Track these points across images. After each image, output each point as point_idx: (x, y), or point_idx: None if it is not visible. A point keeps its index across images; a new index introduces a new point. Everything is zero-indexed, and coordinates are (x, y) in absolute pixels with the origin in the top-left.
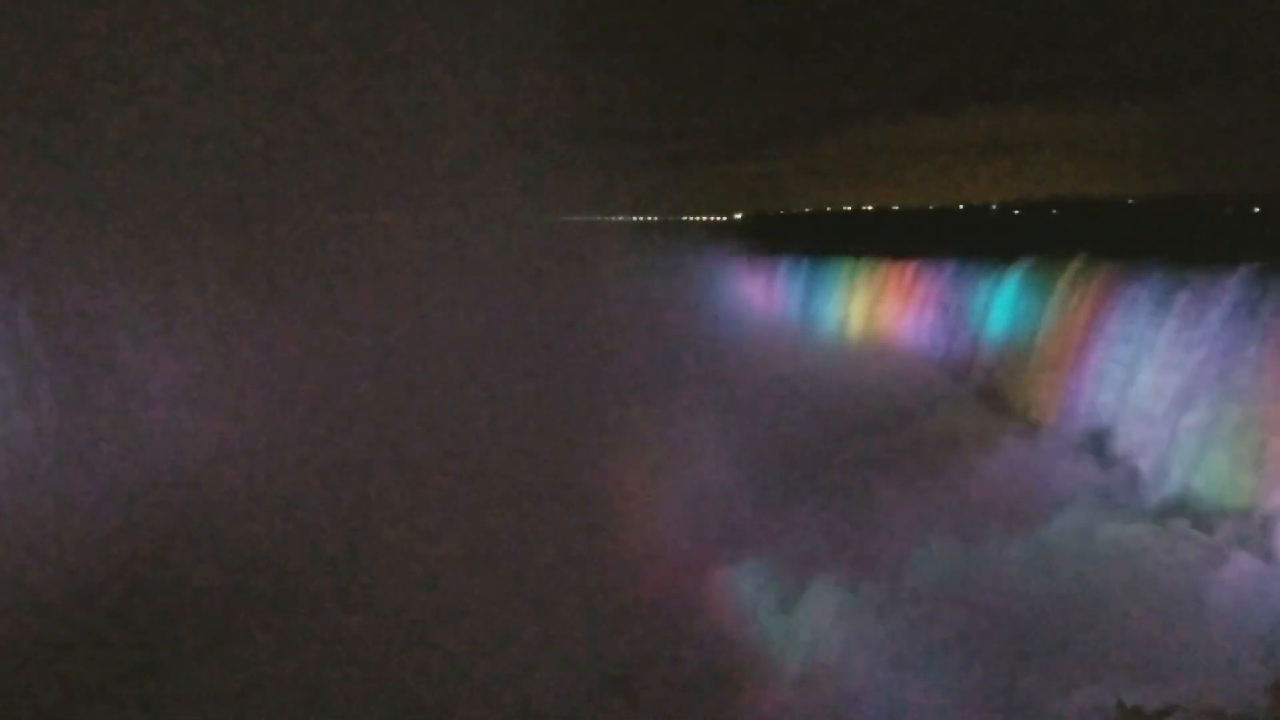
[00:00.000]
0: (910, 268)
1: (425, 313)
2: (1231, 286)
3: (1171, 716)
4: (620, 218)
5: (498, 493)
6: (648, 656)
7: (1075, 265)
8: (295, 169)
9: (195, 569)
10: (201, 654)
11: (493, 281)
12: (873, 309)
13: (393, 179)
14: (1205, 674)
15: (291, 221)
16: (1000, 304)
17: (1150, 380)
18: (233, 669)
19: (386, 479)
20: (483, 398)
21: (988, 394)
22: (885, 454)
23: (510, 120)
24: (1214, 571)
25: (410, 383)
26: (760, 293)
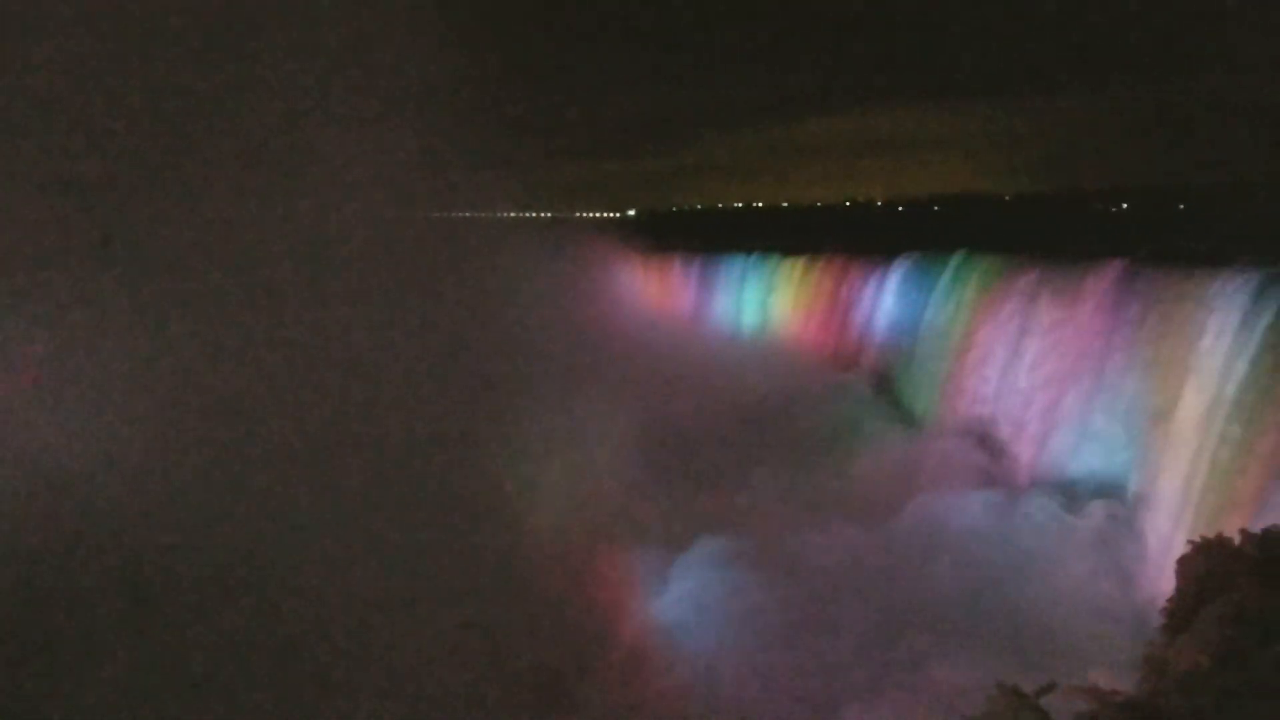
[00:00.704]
0: (800, 263)
1: (308, 311)
2: (1102, 279)
3: (1050, 693)
4: (512, 214)
5: (389, 490)
6: (550, 644)
7: (956, 260)
8: (160, 162)
9: (76, 575)
10: (83, 662)
11: (375, 279)
12: (764, 303)
13: (268, 174)
14: (1081, 650)
15: (164, 220)
16: (886, 298)
17: (1028, 369)
18: (116, 676)
19: (275, 478)
20: (369, 395)
21: (875, 385)
22: (776, 443)
23: (393, 114)
24: (1087, 552)
25: (297, 381)
26: (653, 288)
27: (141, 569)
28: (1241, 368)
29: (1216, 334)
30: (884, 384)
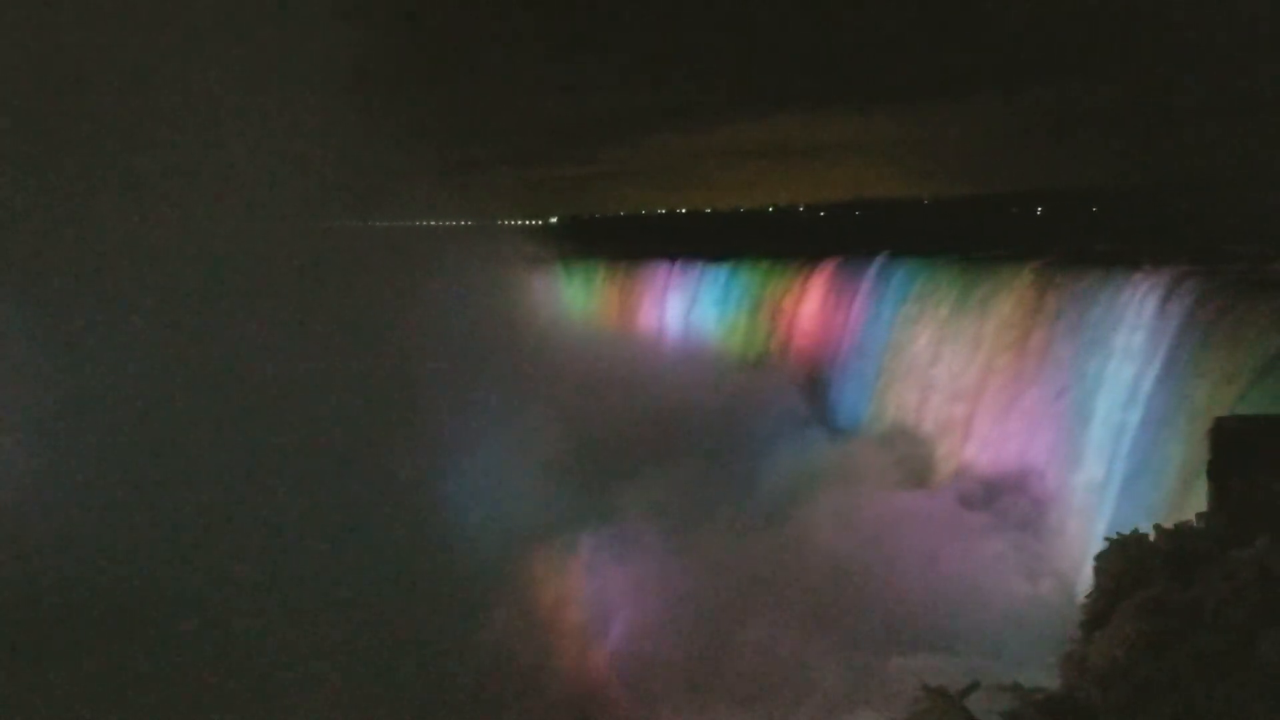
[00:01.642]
0: (724, 268)
1: (218, 322)
2: (1019, 280)
3: (973, 693)
4: (431, 222)
5: (306, 503)
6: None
7: (878, 263)
8: (68, 169)
9: None
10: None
11: (286, 289)
12: (689, 308)
13: (175, 185)
14: (1003, 648)
15: (74, 225)
16: (811, 300)
17: (948, 370)
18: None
19: (185, 492)
20: (283, 406)
21: (801, 387)
22: (700, 445)
23: (307, 122)
24: (1008, 551)
25: (206, 392)
26: (577, 295)
27: (38, 585)
28: (1155, 366)
29: (1130, 333)
30: (810, 386)
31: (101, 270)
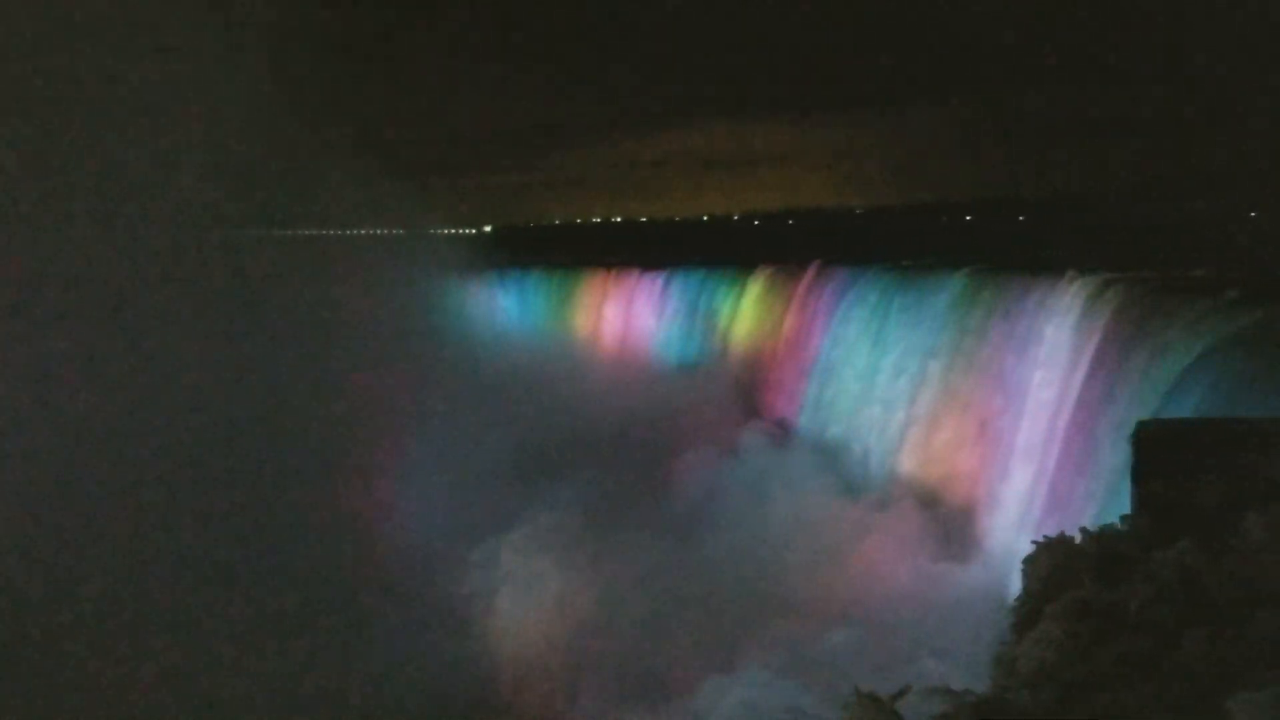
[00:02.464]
0: (660, 277)
1: (146, 332)
2: (948, 289)
3: (905, 696)
4: (364, 230)
5: (236, 512)
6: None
7: (811, 271)
8: None
9: None
10: None
11: (224, 300)
12: (626, 317)
13: (96, 192)
14: (933, 651)
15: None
16: (745, 310)
17: (878, 378)
18: None
19: (115, 508)
20: (213, 415)
21: (735, 395)
22: (637, 452)
23: (239, 129)
24: (939, 555)
25: (130, 402)
26: (514, 304)
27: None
28: (1080, 370)
29: (1055, 338)
30: (745, 392)
31: (24, 281)
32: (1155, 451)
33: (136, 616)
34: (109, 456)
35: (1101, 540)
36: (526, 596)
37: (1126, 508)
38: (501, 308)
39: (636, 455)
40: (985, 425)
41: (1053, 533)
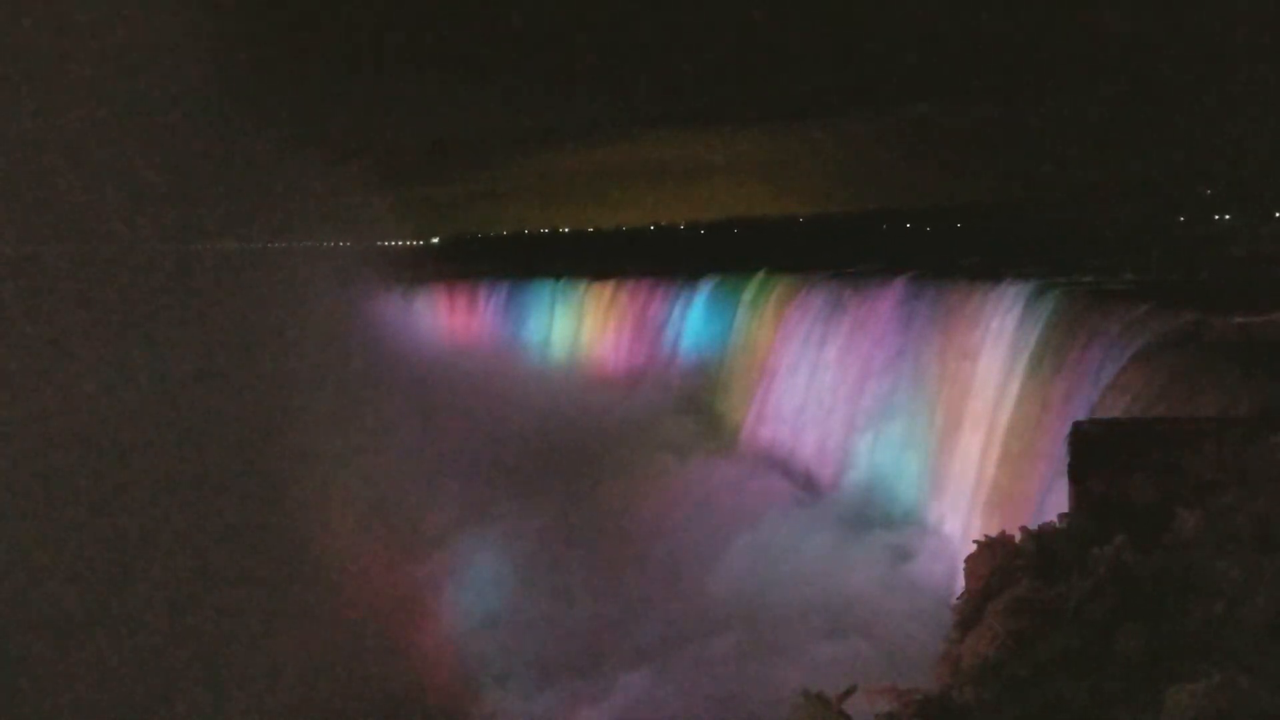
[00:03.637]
0: (608, 286)
1: (100, 348)
2: (889, 295)
3: (852, 695)
4: (308, 243)
5: (187, 528)
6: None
7: (757, 280)
8: None
9: None
10: None
11: (152, 312)
12: (572, 326)
13: (58, 207)
14: (882, 652)
15: None
16: (693, 318)
17: (826, 384)
18: None
19: (54, 515)
20: (157, 431)
21: (682, 403)
22: (579, 461)
23: (176, 139)
24: (884, 557)
25: (80, 418)
26: (459, 315)
27: None
28: (1019, 373)
29: (994, 342)
30: (691, 402)
31: None
32: (1091, 451)
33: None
34: (59, 471)
35: (1040, 539)
36: (467, 600)
37: (1065, 507)
38: (447, 320)
39: (583, 464)
40: (927, 427)
41: (994, 532)
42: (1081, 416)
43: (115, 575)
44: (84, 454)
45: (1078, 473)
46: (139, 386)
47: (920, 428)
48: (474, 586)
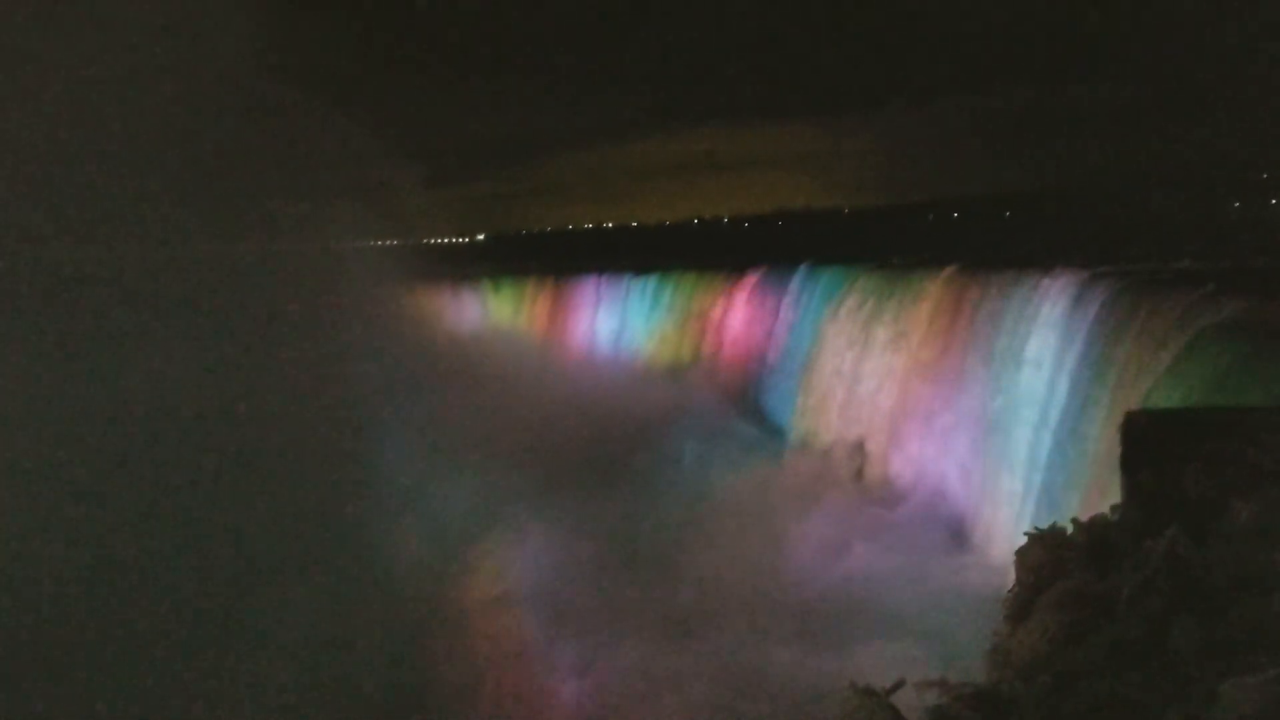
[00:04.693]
0: (652, 281)
1: (151, 349)
2: (936, 286)
3: (900, 689)
4: (359, 243)
5: (256, 521)
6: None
7: (801, 273)
8: None
9: None
10: None
11: (221, 316)
12: (619, 321)
13: (83, 212)
14: (929, 646)
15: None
16: (736, 310)
17: (872, 375)
18: None
19: (120, 509)
20: (223, 435)
21: (729, 396)
22: (631, 458)
23: (226, 144)
24: (935, 550)
25: (141, 426)
26: (505, 311)
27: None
28: (1069, 364)
29: (1044, 332)
30: (736, 394)
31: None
32: (1144, 442)
33: (109, 618)
34: (117, 468)
35: (1092, 530)
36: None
37: (1117, 498)
38: (495, 315)
39: (630, 458)
40: (977, 420)
41: (1045, 524)
42: (1135, 407)
43: (156, 565)
44: (134, 446)
45: (1131, 464)
46: (190, 382)
47: (968, 420)
48: (522, 570)
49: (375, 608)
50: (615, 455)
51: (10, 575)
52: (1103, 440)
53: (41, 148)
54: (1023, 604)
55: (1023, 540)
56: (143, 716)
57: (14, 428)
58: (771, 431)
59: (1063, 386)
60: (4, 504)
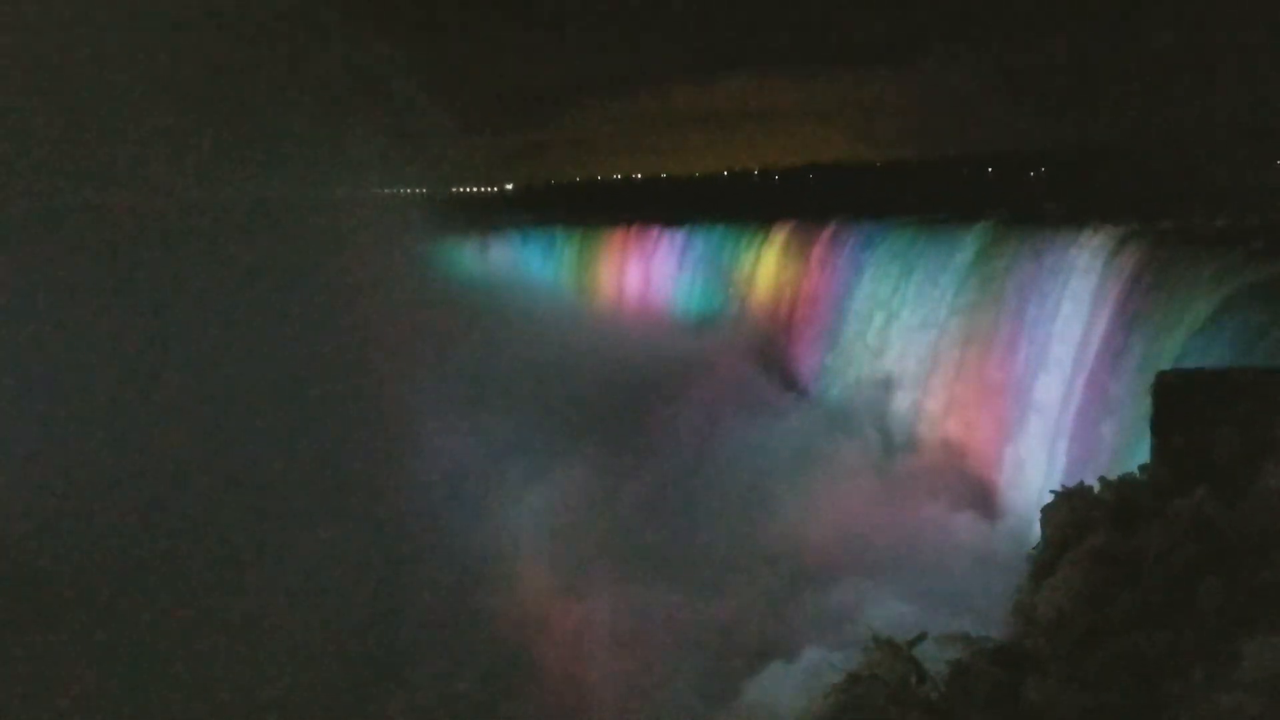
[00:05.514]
0: (680, 233)
1: (182, 298)
2: (970, 241)
3: (921, 643)
4: (387, 190)
5: (287, 477)
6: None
7: (832, 226)
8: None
9: None
10: None
11: (247, 261)
12: (647, 274)
13: (104, 159)
14: (954, 601)
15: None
16: (765, 266)
17: (898, 333)
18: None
19: (163, 472)
20: (256, 382)
21: (757, 354)
22: (661, 410)
23: (257, 92)
24: (961, 505)
25: (174, 375)
26: (536, 262)
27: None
28: (1101, 322)
29: (1076, 291)
30: (764, 348)
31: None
32: (1175, 402)
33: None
34: (157, 437)
35: (1120, 490)
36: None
37: (1146, 458)
38: (523, 267)
39: (659, 410)
40: (1007, 378)
41: (1072, 483)
42: (1166, 367)
43: (191, 519)
44: (169, 389)
45: (1161, 424)
46: (210, 334)
47: (997, 377)
48: (545, 516)
49: (394, 553)
50: (633, 401)
51: (48, 508)
52: (1133, 400)
53: (74, 86)
54: (1048, 562)
55: (1049, 498)
56: (161, 647)
57: (55, 368)
58: (799, 385)
59: (1094, 345)
60: (42, 441)
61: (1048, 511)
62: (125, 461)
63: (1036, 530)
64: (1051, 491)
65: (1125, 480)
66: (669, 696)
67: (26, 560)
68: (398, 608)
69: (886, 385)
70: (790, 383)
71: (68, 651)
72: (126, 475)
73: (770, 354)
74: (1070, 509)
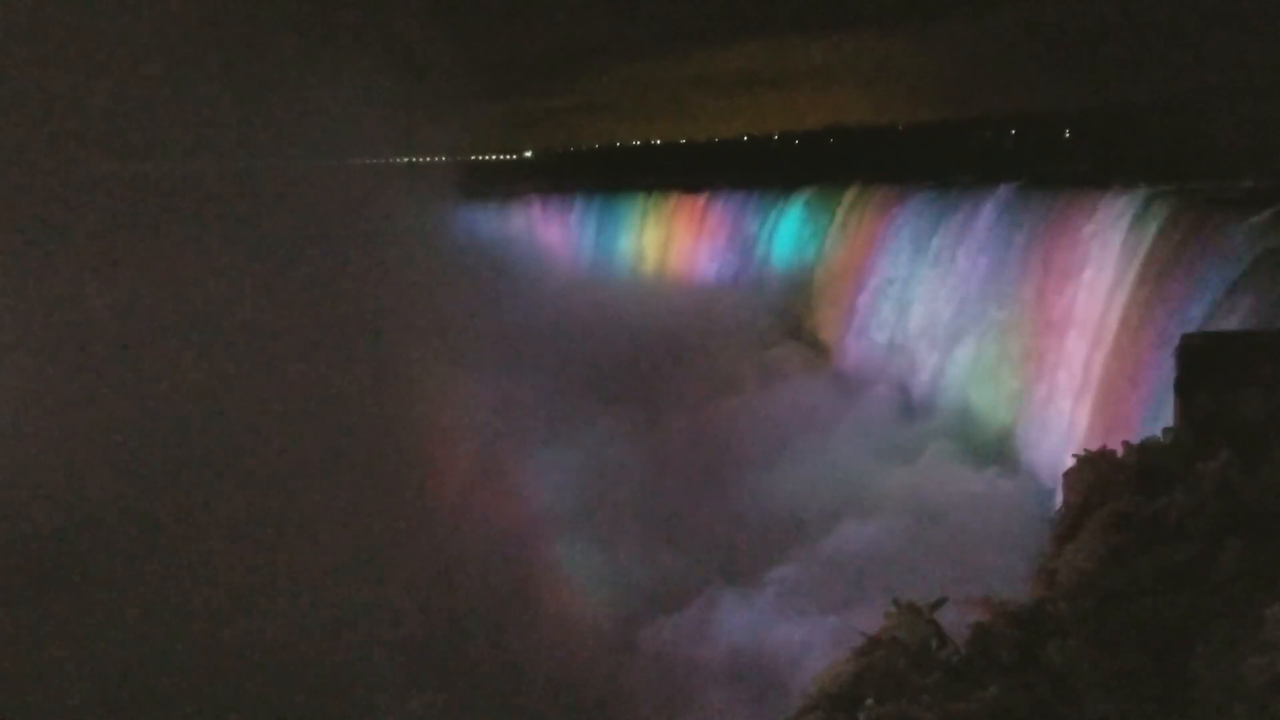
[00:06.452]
0: (700, 199)
1: (198, 266)
2: (993, 204)
3: (942, 606)
4: (406, 159)
5: (303, 442)
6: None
7: (853, 191)
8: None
9: None
10: None
11: (268, 230)
12: (666, 240)
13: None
14: (975, 570)
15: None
16: (785, 231)
17: (924, 296)
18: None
19: (178, 442)
20: (274, 349)
21: (777, 319)
22: (681, 376)
23: (279, 59)
24: (983, 469)
25: (194, 341)
26: (555, 229)
27: (38, 544)
28: (1126, 285)
29: (1101, 253)
30: (786, 316)
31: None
32: (1200, 364)
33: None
34: (171, 396)
35: (1143, 453)
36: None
37: (1170, 421)
38: (543, 233)
39: (671, 371)
40: (1032, 341)
41: (1095, 447)
42: (1192, 330)
43: (210, 475)
44: (188, 351)
45: (1186, 387)
46: (232, 305)
47: (1021, 342)
48: (563, 484)
49: (410, 515)
50: (651, 367)
51: (74, 457)
52: (1157, 362)
53: (97, 58)
54: (1070, 525)
55: (1071, 461)
56: (184, 598)
57: (76, 327)
58: (819, 348)
59: (1118, 307)
60: (69, 393)
61: (1070, 475)
62: (148, 427)
63: (1059, 493)
64: (1074, 455)
65: (1148, 443)
66: (703, 653)
67: (35, 529)
68: (439, 577)
69: (909, 347)
70: (812, 345)
71: (70, 630)
72: (145, 442)
73: (792, 320)
74: (1093, 472)
